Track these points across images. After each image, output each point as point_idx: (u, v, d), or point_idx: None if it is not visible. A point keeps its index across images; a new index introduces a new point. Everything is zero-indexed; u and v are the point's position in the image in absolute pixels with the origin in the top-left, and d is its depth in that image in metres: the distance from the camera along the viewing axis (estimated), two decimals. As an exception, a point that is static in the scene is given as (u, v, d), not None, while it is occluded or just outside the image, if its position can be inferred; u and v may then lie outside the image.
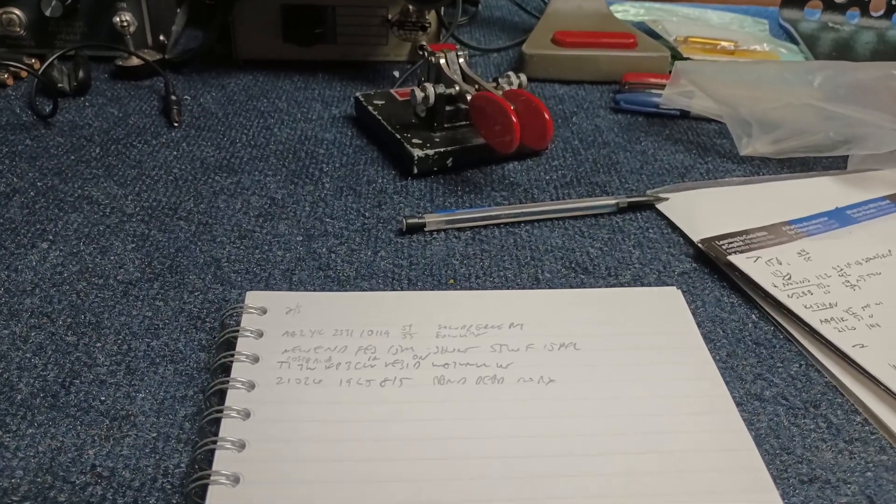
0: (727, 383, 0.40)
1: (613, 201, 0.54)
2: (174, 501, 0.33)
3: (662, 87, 0.68)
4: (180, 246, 0.48)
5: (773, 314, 0.45)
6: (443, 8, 0.71)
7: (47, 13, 0.66)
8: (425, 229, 0.51)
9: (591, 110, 0.69)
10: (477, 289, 0.46)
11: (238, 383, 0.37)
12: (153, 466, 0.34)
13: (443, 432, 0.36)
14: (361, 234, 0.51)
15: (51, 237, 0.48)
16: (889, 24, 0.93)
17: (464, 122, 0.60)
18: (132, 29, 0.69)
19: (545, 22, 0.79)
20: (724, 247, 0.49)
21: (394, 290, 0.46)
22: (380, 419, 0.36)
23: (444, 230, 0.51)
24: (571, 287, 0.47)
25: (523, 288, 0.47)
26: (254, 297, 0.43)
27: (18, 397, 0.37)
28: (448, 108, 0.59)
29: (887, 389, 0.39)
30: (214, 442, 0.34)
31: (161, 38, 0.71)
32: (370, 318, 0.42)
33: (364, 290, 0.45)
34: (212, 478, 0.32)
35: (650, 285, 0.47)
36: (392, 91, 0.65)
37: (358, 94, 0.64)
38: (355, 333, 0.41)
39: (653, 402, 0.38)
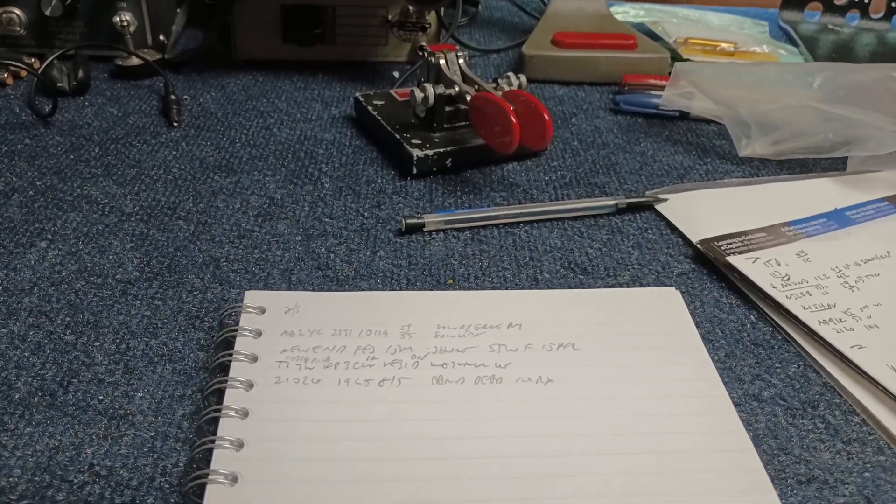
0: (725, 384, 0.40)
1: (612, 202, 0.54)
2: (172, 500, 0.33)
3: (662, 88, 0.68)
4: (179, 245, 0.48)
5: (771, 315, 0.45)
6: (443, 8, 0.71)
7: (47, 13, 0.66)
8: (424, 229, 0.51)
9: (590, 111, 0.69)
10: (476, 289, 0.46)
11: (236, 383, 0.37)
12: (151, 465, 0.34)
13: (441, 432, 0.36)
14: (360, 234, 0.51)
15: (49, 236, 0.48)
16: (889, 26, 0.93)
17: (463, 123, 0.60)
18: (132, 29, 0.69)
19: (545, 23, 0.79)
20: (722, 248, 0.49)
21: (392, 290, 0.46)
22: (378, 419, 0.36)
23: (443, 230, 0.51)
24: (570, 287, 0.47)
25: (522, 288, 0.47)
26: (252, 297, 0.43)
27: (17, 396, 0.37)
28: (447, 108, 0.59)
29: (885, 390, 0.39)
30: (213, 441, 0.34)
31: (161, 37, 0.71)
32: (369, 317, 0.42)
33: (363, 290, 0.45)
34: (210, 477, 0.32)
35: (649, 286, 0.47)
36: (392, 91, 0.65)
37: (357, 94, 0.64)
38: (354, 333, 0.41)
39: (651, 403, 0.38)
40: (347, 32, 0.73)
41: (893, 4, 0.92)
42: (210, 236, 0.49)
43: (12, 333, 0.41)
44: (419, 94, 0.58)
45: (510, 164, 0.60)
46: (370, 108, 0.62)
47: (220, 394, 0.37)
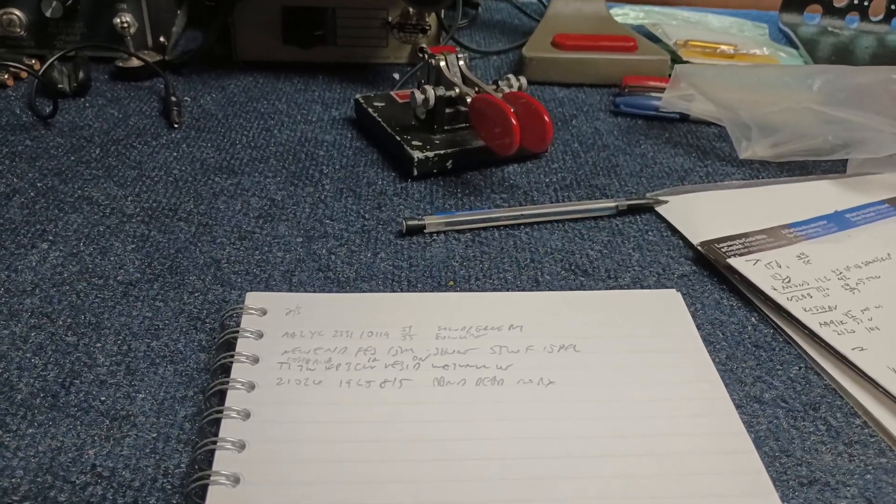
0: (727, 386, 0.40)
1: (613, 204, 0.54)
2: (174, 501, 0.33)
3: (662, 90, 0.68)
4: (180, 247, 0.48)
5: (772, 317, 0.45)
6: (443, 10, 0.72)
7: (47, 14, 0.66)
8: (425, 231, 0.51)
9: (590, 113, 0.69)
10: (477, 290, 0.46)
11: (238, 384, 0.37)
12: (153, 466, 0.34)
13: (442, 434, 0.36)
14: (361, 235, 0.51)
15: (51, 237, 0.48)
16: (888, 29, 0.93)
17: (464, 125, 0.60)
18: (132, 30, 0.69)
19: (545, 25, 0.79)
20: (723, 250, 0.49)
21: (394, 291, 0.46)
22: (379, 420, 0.36)
23: (444, 232, 0.51)
24: (571, 289, 0.47)
25: (523, 290, 0.47)
26: (254, 298, 0.43)
27: (18, 397, 0.37)
28: (448, 110, 0.59)
29: (886, 392, 0.39)
30: (214, 442, 0.34)
31: (161, 39, 0.71)
32: (370, 319, 0.42)
33: (364, 292, 0.46)
34: (212, 478, 0.32)
35: (650, 288, 0.47)
36: (392, 93, 0.65)
37: (358, 96, 0.64)
38: (355, 335, 0.41)
39: (652, 405, 0.38)
40: (348, 34, 0.73)
41: (893, 7, 0.92)
42: (211, 238, 0.49)
43: (14, 335, 0.41)
44: (419, 96, 0.58)
45: (510, 166, 0.60)
46: (370, 110, 0.62)
47: (221, 395, 0.37)
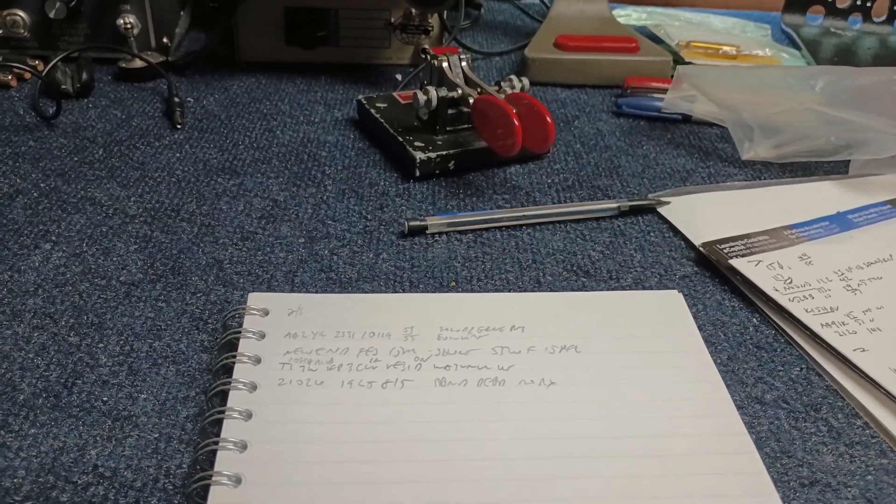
0: (728, 386, 0.40)
1: (615, 205, 0.54)
2: (176, 502, 0.33)
3: (664, 91, 0.68)
4: (183, 247, 0.48)
5: (774, 318, 0.45)
6: (445, 11, 0.72)
7: (51, 15, 0.66)
8: (427, 232, 0.51)
9: (593, 114, 0.69)
10: (478, 291, 0.46)
11: (240, 384, 0.37)
12: (155, 467, 0.34)
13: (444, 434, 0.36)
14: (363, 236, 0.51)
15: (54, 238, 0.48)
16: (891, 30, 0.93)
17: (466, 126, 0.60)
18: (135, 31, 0.69)
19: (547, 26, 0.79)
20: (725, 250, 0.49)
21: (395, 292, 0.46)
22: (381, 421, 0.36)
23: (446, 233, 0.51)
24: (573, 290, 0.47)
25: (525, 290, 0.47)
26: (256, 299, 0.43)
27: (21, 397, 0.37)
28: (450, 111, 0.59)
29: (888, 393, 0.39)
30: (216, 443, 0.34)
31: (164, 40, 0.71)
32: (372, 319, 0.42)
33: (366, 292, 0.46)
34: (213, 478, 0.33)
35: (651, 288, 0.47)
36: (394, 94, 0.65)
37: (360, 96, 0.64)
38: (357, 335, 0.41)
39: (654, 405, 0.38)
40: (350, 35, 0.73)
41: (895, 8, 0.92)
42: (213, 238, 0.49)
43: (17, 335, 0.41)
44: (422, 97, 0.58)
45: (513, 167, 0.60)
46: (373, 111, 0.62)
47: (223, 395, 0.37)
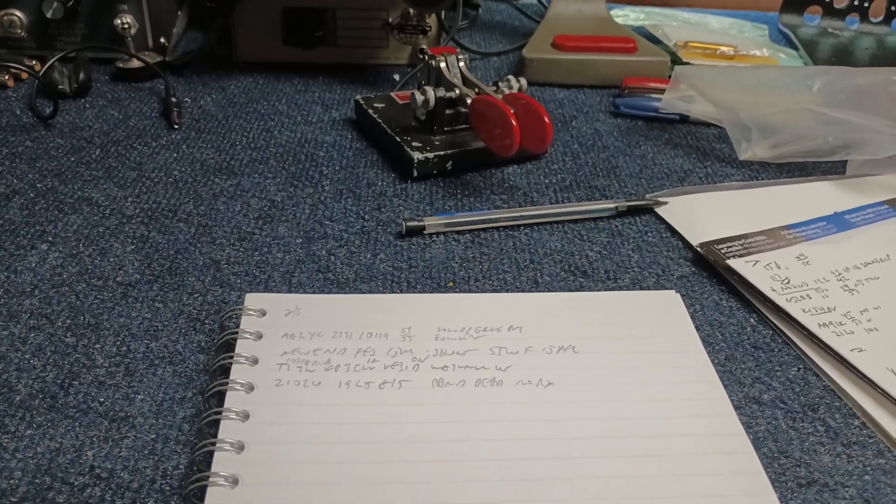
0: (725, 387, 0.40)
1: (613, 205, 0.54)
2: (173, 503, 0.33)
3: (662, 91, 0.68)
4: (180, 248, 0.48)
5: (771, 318, 0.45)
6: (443, 11, 0.72)
7: (48, 15, 0.66)
8: (425, 232, 0.51)
9: (590, 114, 0.69)
10: (476, 291, 0.46)
11: (237, 385, 0.37)
12: (152, 468, 0.34)
13: (441, 434, 0.36)
14: (361, 236, 0.51)
15: (50, 238, 0.48)
16: (888, 30, 0.93)
17: (464, 126, 0.60)
18: (133, 31, 0.69)
19: (545, 26, 0.79)
20: (722, 251, 0.49)
21: (393, 292, 0.46)
22: (379, 421, 0.36)
23: (444, 233, 0.51)
24: (570, 290, 0.47)
25: (522, 291, 0.47)
26: (253, 299, 0.43)
27: (17, 398, 0.37)
28: (448, 111, 0.59)
29: (885, 393, 0.39)
30: (213, 443, 0.34)
31: (161, 40, 0.71)
32: (369, 320, 0.42)
33: (363, 293, 0.46)
34: (210, 479, 0.32)
35: (649, 289, 0.47)
36: (392, 94, 0.65)
37: (358, 97, 0.64)
38: (354, 336, 0.41)
39: (651, 406, 0.38)
40: (348, 35, 0.73)
41: (893, 8, 0.92)
42: (211, 239, 0.49)
43: (13, 336, 0.41)
44: (419, 97, 0.58)
45: (510, 167, 0.60)
46: (371, 111, 0.62)
47: (220, 396, 0.37)
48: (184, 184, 0.55)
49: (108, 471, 0.34)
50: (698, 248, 0.50)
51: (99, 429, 0.36)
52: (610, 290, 0.47)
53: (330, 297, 0.44)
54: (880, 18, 0.93)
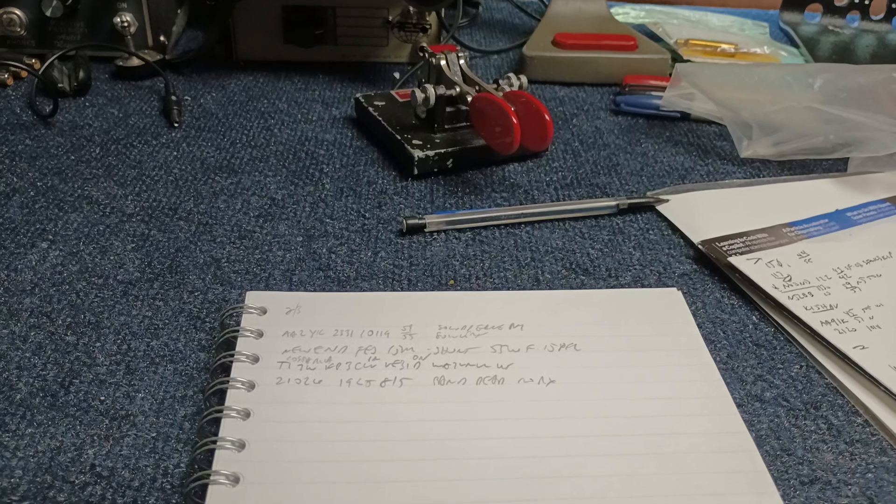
0: (728, 385, 0.40)
1: (614, 203, 0.54)
2: (174, 501, 0.33)
3: (663, 89, 0.68)
4: (180, 246, 0.48)
5: (773, 316, 0.45)
6: (443, 9, 0.71)
7: (48, 13, 0.66)
8: (425, 230, 0.51)
9: (591, 112, 0.69)
10: (477, 289, 0.46)
11: (238, 383, 0.37)
12: (153, 466, 0.34)
13: (443, 433, 0.36)
14: (361, 234, 0.50)
15: (50, 237, 0.48)
16: (889, 28, 0.93)
17: (464, 124, 0.60)
18: (133, 29, 0.69)
19: (546, 24, 0.79)
20: (724, 248, 0.49)
21: (394, 290, 0.46)
22: (379, 420, 0.36)
23: (445, 231, 0.51)
24: (572, 288, 0.47)
25: (523, 289, 0.47)
26: (254, 298, 0.43)
27: (18, 397, 0.37)
28: (448, 109, 0.59)
29: (888, 391, 0.39)
30: (214, 442, 0.34)
31: (161, 38, 0.71)
32: (370, 318, 0.42)
33: (364, 291, 0.45)
34: (211, 478, 0.32)
35: (650, 286, 0.47)
36: (392, 92, 0.65)
37: (358, 95, 0.64)
38: (355, 334, 0.41)
39: (653, 404, 0.38)
40: (348, 33, 0.73)
41: (894, 6, 0.92)
42: (211, 237, 0.49)
43: (13, 334, 0.41)
44: (420, 95, 0.58)
45: (511, 165, 0.60)
46: (371, 109, 0.62)
47: (221, 394, 0.37)
48: (184, 182, 0.55)
49: (108, 469, 0.34)
50: (700, 246, 0.50)
51: (100, 427, 0.36)
52: (611, 287, 0.47)
53: (331, 296, 0.44)
54: (881, 16, 0.93)
